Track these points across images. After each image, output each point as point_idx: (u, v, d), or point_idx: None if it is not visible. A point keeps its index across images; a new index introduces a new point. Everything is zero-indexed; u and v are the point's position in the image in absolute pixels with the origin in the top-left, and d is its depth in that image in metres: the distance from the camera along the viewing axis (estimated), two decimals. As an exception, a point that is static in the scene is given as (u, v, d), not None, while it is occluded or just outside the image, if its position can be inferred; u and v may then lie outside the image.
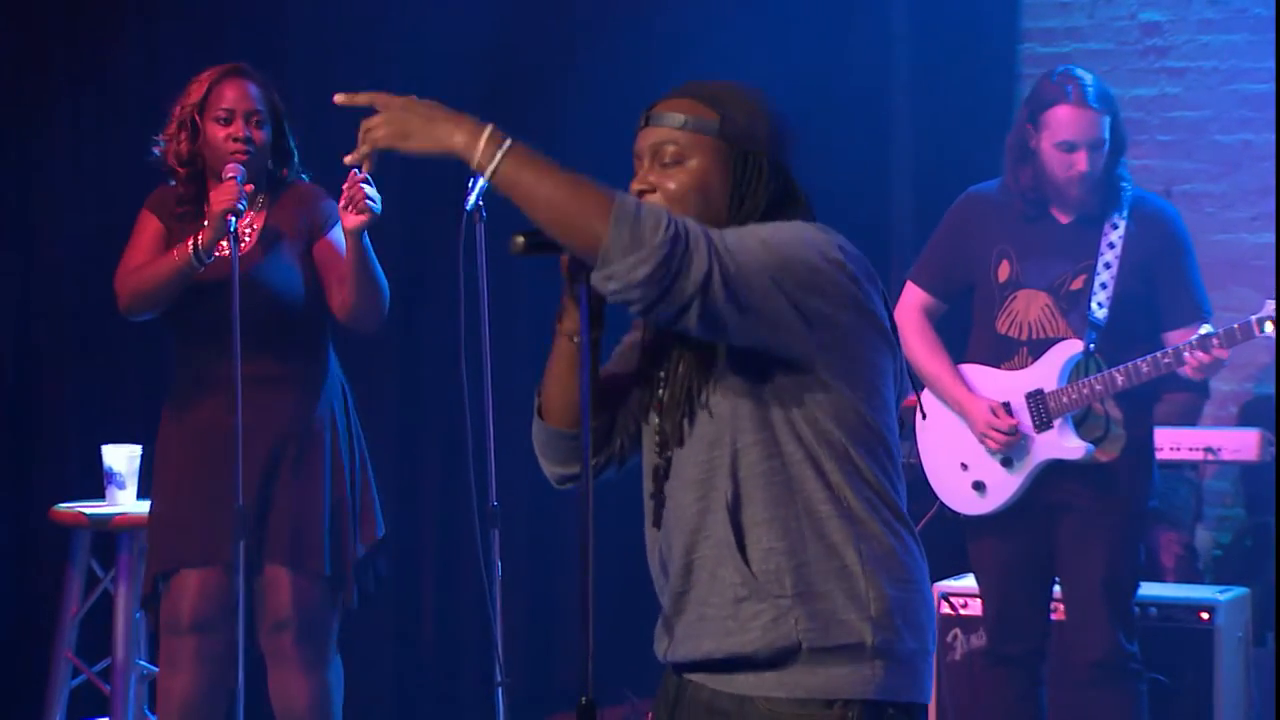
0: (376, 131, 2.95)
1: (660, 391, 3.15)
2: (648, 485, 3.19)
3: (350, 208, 4.85)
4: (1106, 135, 5.21)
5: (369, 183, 4.82)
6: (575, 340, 3.10)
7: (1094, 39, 7.40)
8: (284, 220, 5.08)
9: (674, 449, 3.09)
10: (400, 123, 2.96)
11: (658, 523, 3.15)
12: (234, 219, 4.79)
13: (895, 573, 3.05)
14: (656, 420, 3.15)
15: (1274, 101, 6.87)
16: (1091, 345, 5.20)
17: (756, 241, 2.91)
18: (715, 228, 2.95)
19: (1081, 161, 5.18)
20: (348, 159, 2.96)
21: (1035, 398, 5.24)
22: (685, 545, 3.09)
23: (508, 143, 2.89)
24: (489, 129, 2.90)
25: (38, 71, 6.44)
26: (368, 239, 4.91)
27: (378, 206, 4.86)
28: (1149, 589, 5.68)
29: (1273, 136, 6.83)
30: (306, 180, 5.18)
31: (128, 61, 6.52)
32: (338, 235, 5.05)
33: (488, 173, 2.89)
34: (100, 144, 6.42)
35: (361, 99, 2.96)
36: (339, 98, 2.96)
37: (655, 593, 3.22)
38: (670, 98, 3.14)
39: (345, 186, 4.86)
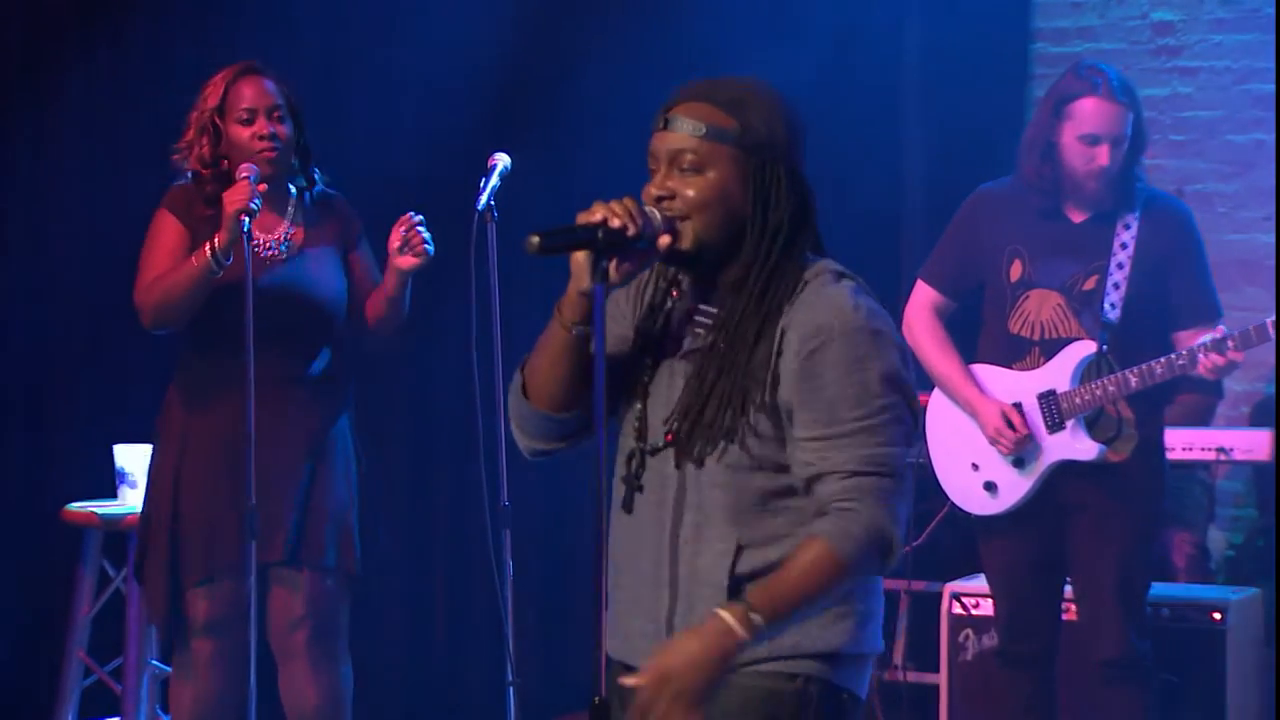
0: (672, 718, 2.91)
1: (646, 379, 3.17)
2: (621, 468, 3.21)
3: (406, 250, 4.92)
4: (1129, 131, 5.20)
5: (424, 225, 4.89)
6: (574, 332, 3.13)
7: (1106, 39, 7.40)
8: (323, 230, 5.10)
9: (688, 464, 3.10)
10: (684, 696, 2.90)
11: (629, 508, 3.18)
12: (248, 219, 4.77)
13: (866, 585, 3.14)
14: (640, 406, 3.17)
15: (1281, 103, 6.86)
16: (1104, 346, 5.20)
17: (892, 479, 3.00)
18: (735, 234, 3.06)
19: (1103, 155, 5.17)
20: None
21: (1048, 398, 5.24)
22: (666, 555, 3.12)
23: (755, 616, 2.91)
24: (733, 617, 2.91)
25: (49, 72, 6.45)
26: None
27: (432, 249, 4.94)
28: (1161, 589, 5.68)
29: (1286, 136, 6.83)
30: (322, 182, 5.18)
31: (140, 63, 6.52)
32: (365, 246, 5.15)
33: (764, 633, 2.93)
34: (113, 143, 6.42)
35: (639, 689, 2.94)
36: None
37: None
38: (689, 100, 3.12)
39: (402, 230, 4.92)
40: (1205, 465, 6.57)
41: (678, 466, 3.10)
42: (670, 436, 3.12)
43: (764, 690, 3.06)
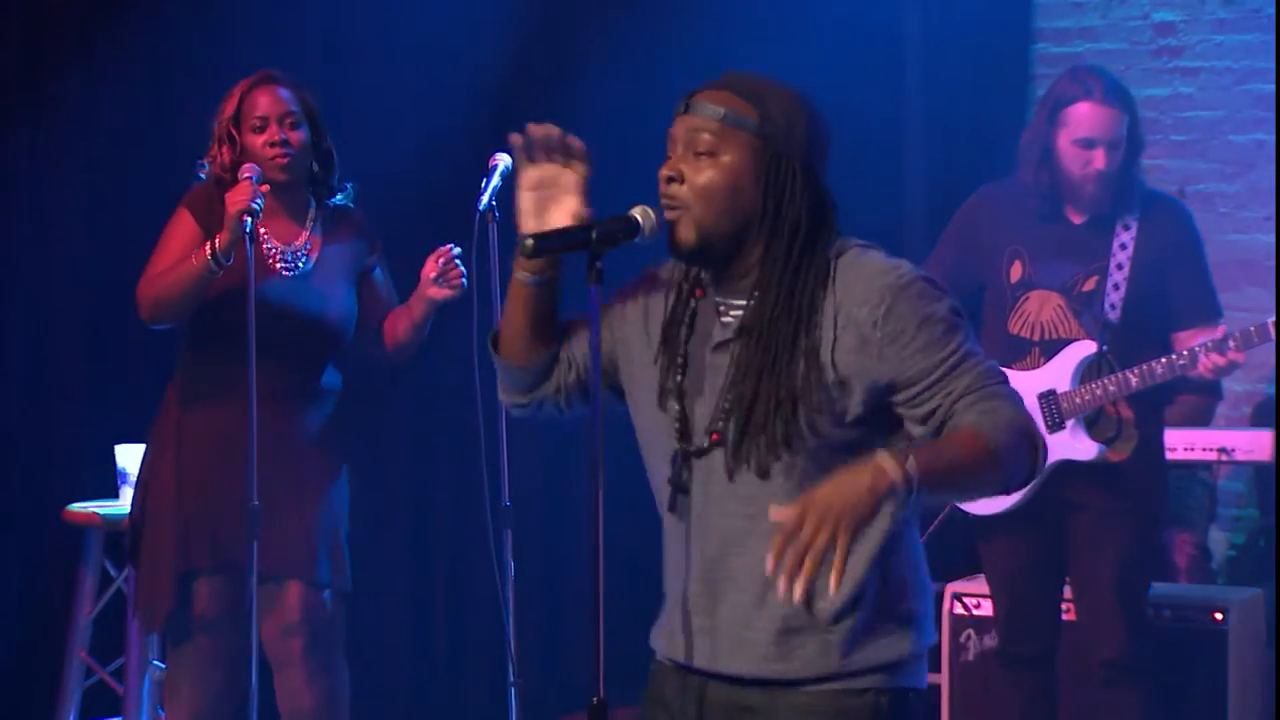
0: (821, 539, 2.82)
1: (679, 377, 3.16)
2: (663, 469, 3.19)
3: (443, 282, 4.98)
4: (1125, 134, 5.21)
5: (462, 259, 4.93)
6: (526, 284, 3.21)
7: (1108, 39, 7.40)
8: (339, 245, 5.10)
9: (737, 469, 3.10)
10: (838, 518, 2.83)
11: (674, 509, 3.17)
12: (250, 219, 4.77)
13: (920, 585, 3.16)
14: (678, 408, 3.16)
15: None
16: (1104, 346, 5.20)
17: (1004, 384, 3.06)
18: (742, 227, 3.07)
19: (1099, 159, 5.18)
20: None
21: (1048, 398, 5.25)
22: (716, 554, 3.13)
23: (911, 464, 2.87)
24: (891, 459, 2.88)
25: (52, 72, 6.45)
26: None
27: (466, 283, 4.98)
28: (1162, 589, 5.68)
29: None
30: (348, 193, 5.18)
31: (140, 65, 6.53)
32: (382, 268, 5.17)
33: (915, 486, 2.88)
34: (115, 143, 6.43)
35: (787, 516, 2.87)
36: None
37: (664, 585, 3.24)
38: (712, 87, 3.13)
39: (440, 261, 4.97)
40: (1207, 466, 6.58)
41: (730, 474, 3.09)
42: (716, 436, 3.11)
43: (834, 710, 3.08)
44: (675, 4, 7.00)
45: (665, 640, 3.24)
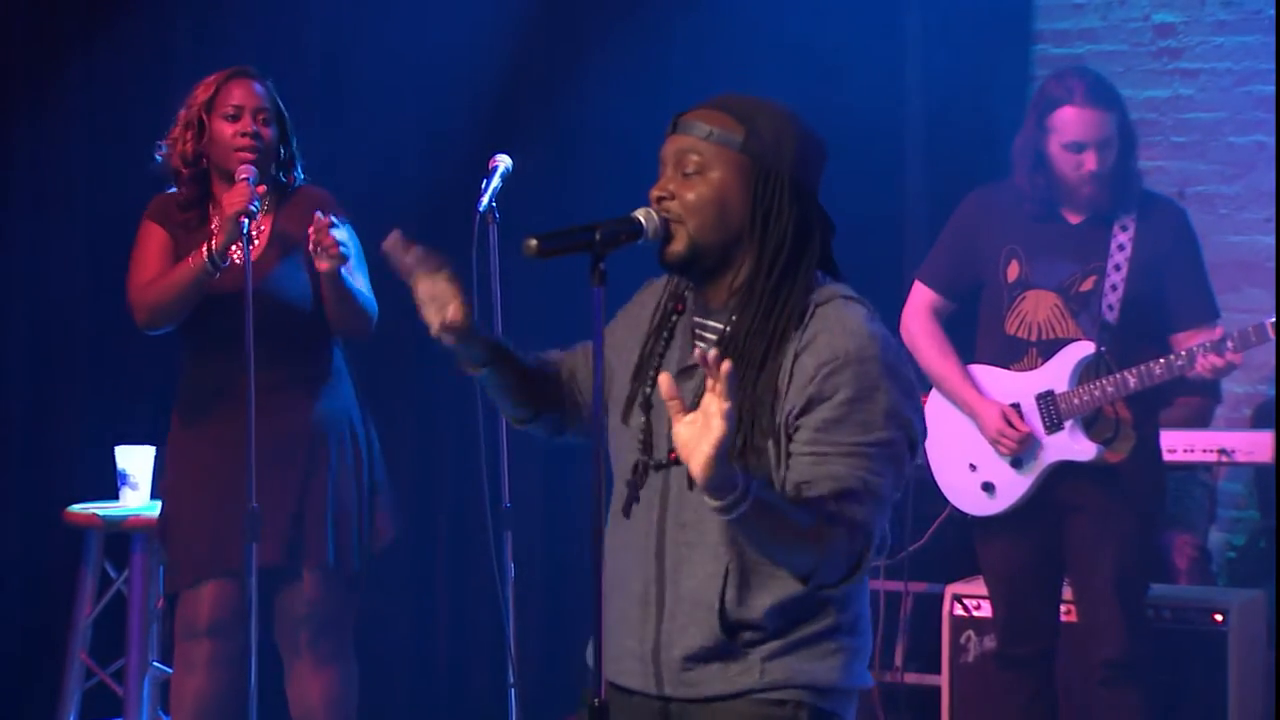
0: (708, 451, 2.82)
1: (648, 390, 3.19)
2: (623, 472, 3.23)
3: (320, 254, 4.86)
4: (1115, 132, 5.21)
5: (335, 226, 4.84)
6: (479, 379, 3.37)
7: (1107, 40, 7.40)
8: (291, 226, 5.08)
9: (662, 475, 3.14)
10: (718, 450, 2.81)
11: (628, 512, 3.20)
12: (247, 221, 4.79)
13: (859, 623, 3.17)
14: (644, 420, 3.20)
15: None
16: (1102, 347, 5.21)
17: (880, 508, 3.01)
18: (731, 241, 3.09)
19: (1090, 161, 5.19)
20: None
21: (1046, 399, 5.25)
22: (652, 575, 3.15)
23: (745, 496, 2.86)
24: (739, 490, 2.87)
25: (52, 74, 6.46)
26: (346, 274, 4.93)
27: (348, 250, 4.89)
28: (1163, 591, 5.69)
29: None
30: (312, 185, 5.19)
31: (142, 67, 6.53)
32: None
33: (730, 517, 2.88)
34: (114, 145, 6.43)
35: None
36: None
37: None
38: (701, 107, 3.16)
39: (311, 231, 4.86)
40: (1207, 467, 6.58)
41: (690, 487, 3.09)
42: (674, 455, 3.12)
43: (757, 716, 3.09)
44: (675, 9, 7.00)
45: (592, 652, 3.25)
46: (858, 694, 3.20)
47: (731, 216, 3.10)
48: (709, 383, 2.81)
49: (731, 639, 3.07)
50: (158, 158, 5.11)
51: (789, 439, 3.04)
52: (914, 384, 3.09)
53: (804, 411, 3.01)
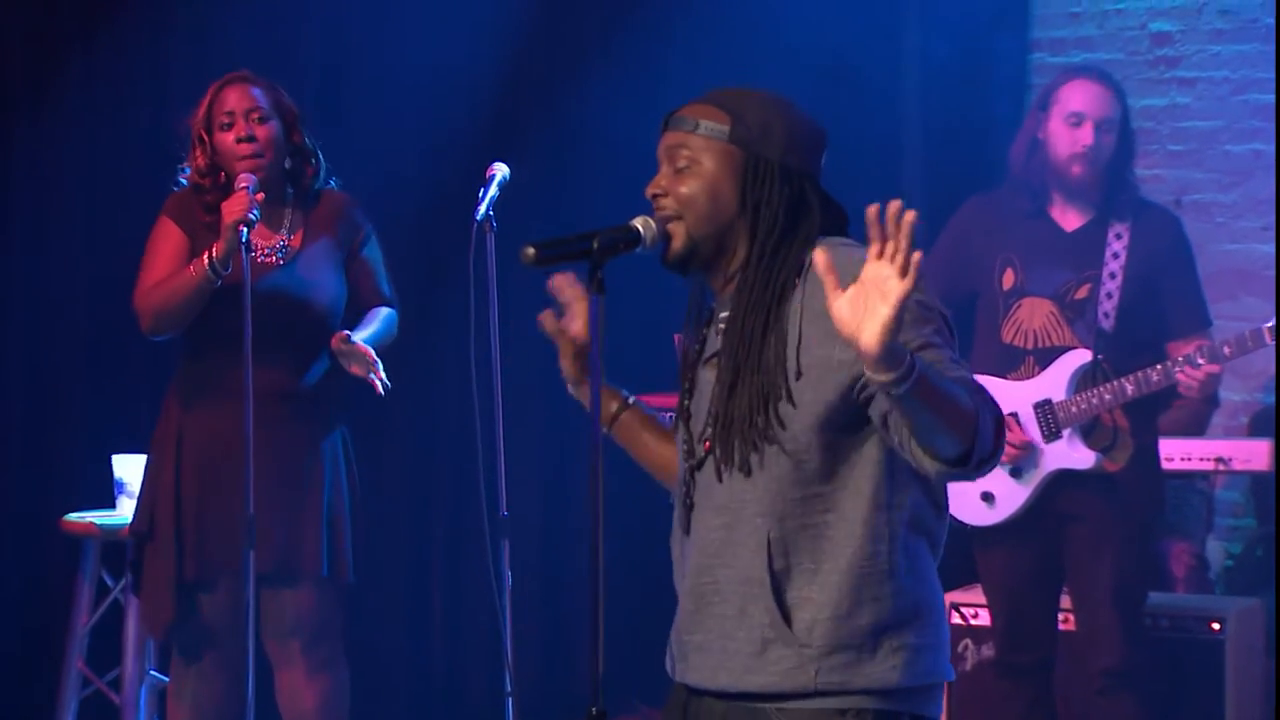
0: (887, 317, 2.77)
1: (687, 402, 3.21)
2: (679, 490, 3.23)
3: (355, 363, 4.95)
4: (1116, 118, 5.23)
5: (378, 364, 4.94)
6: (622, 412, 3.42)
7: (1104, 49, 7.41)
8: (321, 231, 5.10)
9: (725, 470, 3.12)
10: (895, 316, 2.77)
11: (687, 529, 3.21)
12: (246, 229, 4.79)
13: (924, 618, 3.11)
14: (684, 428, 3.22)
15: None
16: (1099, 354, 5.22)
17: (961, 365, 2.99)
18: (725, 229, 3.12)
19: (1087, 134, 5.20)
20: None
21: (1044, 407, 5.26)
22: (699, 566, 3.15)
23: (914, 364, 2.82)
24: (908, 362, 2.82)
25: (51, 82, 6.46)
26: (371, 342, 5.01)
27: (377, 362, 4.97)
28: (1160, 599, 5.69)
29: (1284, 146, 6.84)
30: (336, 187, 5.20)
31: (141, 71, 6.54)
32: (371, 251, 5.13)
33: (902, 390, 2.82)
34: (113, 153, 6.44)
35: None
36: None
37: (668, 601, 3.26)
38: (690, 103, 3.20)
39: (358, 368, 4.95)
40: (1204, 475, 6.57)
41: (719, 477, 3.12)
42: (708, 445, 3.15)
43: None
44: (674, 15, 7.01)
45: (669, 658, 3.27)
46: (940, 688, 3.16)
47: (724, 206, 3.13)
48: (875, 250, 2.77)
49: (786, 616, 3.04)
50: (182, 180, 5.10)
51: (859, 389, 2.99)
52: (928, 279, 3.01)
53: (848, 349, 2.91)
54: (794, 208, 3.13)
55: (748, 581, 3.07)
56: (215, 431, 4.99)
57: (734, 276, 3.15)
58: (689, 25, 7.00)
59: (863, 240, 2.86)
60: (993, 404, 2.95)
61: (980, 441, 2.90)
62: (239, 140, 5.00)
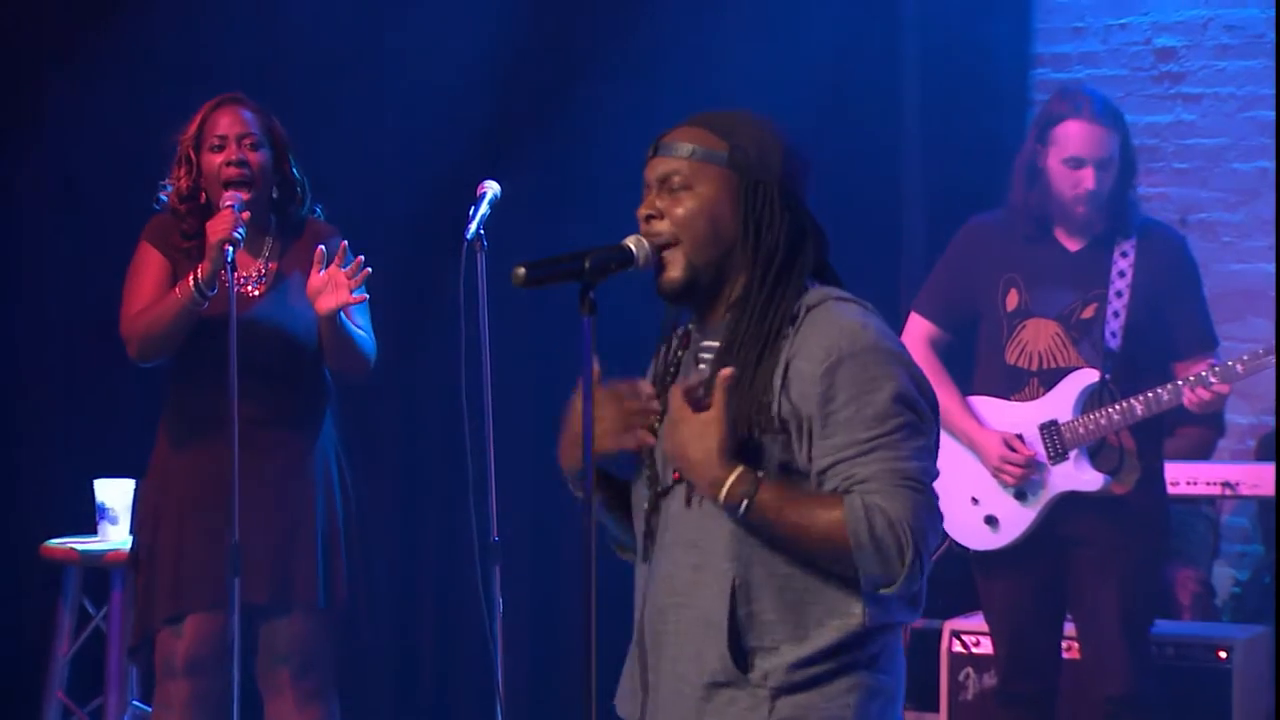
0: (673, 441, 2.99)
1: (655, 426, 3.19)
2: (638, 521, 3.24)
3: (333, 289, 4.84)
4: (1116, 154, 5.23)
5: (350, 259, 4.84)
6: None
7: (1108, 64, 7.42)
8: (299, 260, 5.08)
9: (694, 496, 3.12)
10: (684, 444, 3.00)
11: (647, 557, 3.21)
12: (231, 249, 4.78)
13: (882, 661, 3.12)
14: (650, 454, 3.20)
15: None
16: (1106, 374, 5.22)
17: (918, 493, 3.04)
18: (725, 255, 3.10)
19: (1089, 179, 5.21)
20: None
21: (1050, 429, 5.26)
22: (662, 606, 3.15)
23: (744, 498, 2.96)
24: (732, 482, 2.97)
25: (28, 100, 6.47)
26: (344, 318, 4.92)
27: (362, 291, 4.87)
28: (1165, 627, 5.68)
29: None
30: (320, 217, 5.20)
31: (123, 94, 6.54)
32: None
33: (739, 517, 3.00)
34: (95, 173, 6.45)
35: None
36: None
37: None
38: (679, 127, 3.18)
39: (328, 269, 4.84)
40: (1210, 500, 6.58)
41: (687, 503, 3.12)
42: (678, 474, 3.14)
43: None
44: (668, 33, 7.00)
45: (621, 699, 3.27)
46: None
47: (724, 230, 3.11)
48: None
49: (742, 663, 3.05)
50: (163, 198, 5.09)
51: (808, 451, 3.04)
52: (917, 366, 3.10)
53: (817, 422, 3.02)
54: (793, 235, 3.13)
55: (708, 625, 3.08)
56: (205, 460, 4.97)
57: (733, 305, 3.14)
58: (684, 43, 7.00)
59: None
60: (901, 524, 2.97)
61: (869, 571, 2.97)
62: (228, 164, 4.98)
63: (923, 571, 3.00)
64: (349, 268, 4.85)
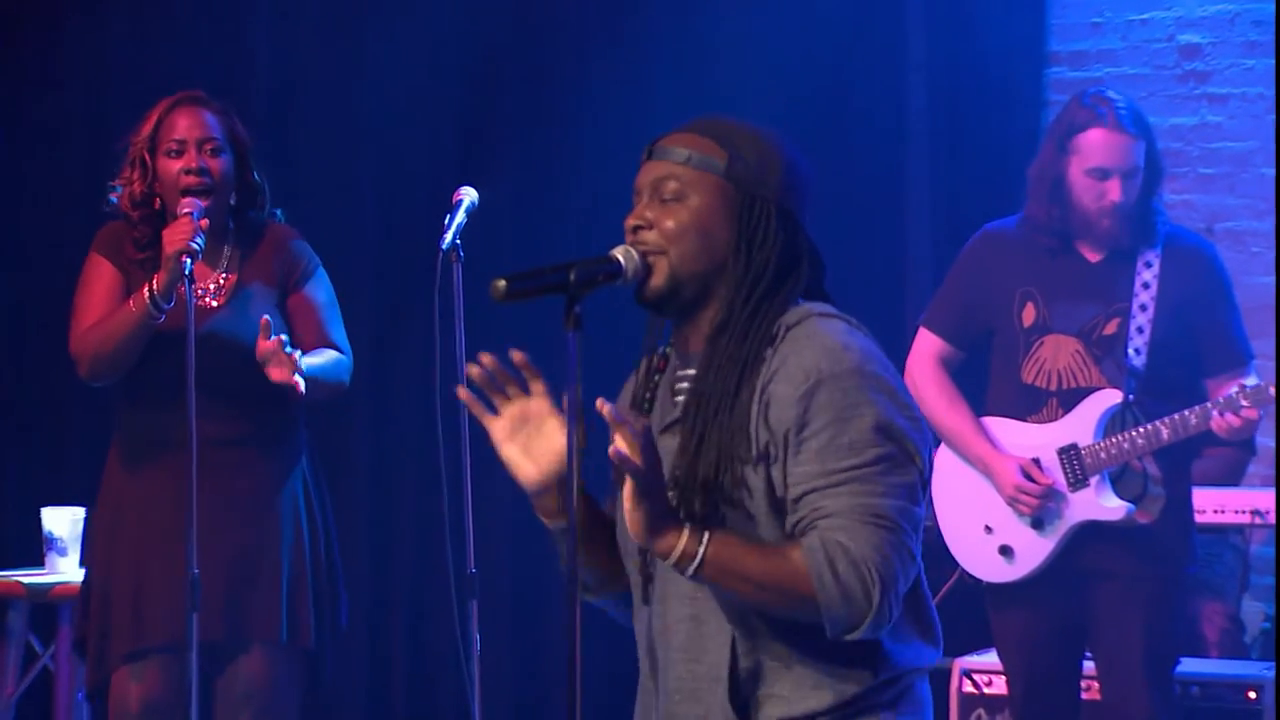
0: (627, 494, 2.92)
1: None
2: (633, 562, 3.22)
3: (277, 363, 4.77)
4: (1141, 163, 5.22)
5: (286, 346, 4.76)
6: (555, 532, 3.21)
7: (1128, 63, 7.40)
8: (259, 268, 5.04)
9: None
10: (637, 495, 2.92)
11: (647, 599, 3.19)
12: (189, 260, 4.73)
13: (905, 711, 3.11)
14: None
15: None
16: (1130, 395, 5.20)
17: (889, 531, 2.96)
18: (713, 272, 3.07)
19: (1114, 191, 5.19)
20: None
21: (1069, 453, 5.23)
22: (667, 660, 3.15)
23: (695, 559, 2.93)
24: (684, 543, 2.94)
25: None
26: (307, 364, 4.86)
27: (303, 368, 4.80)
28: (1191, 665, 5.67)
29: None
30: (280, 220, 5.16)
31: (73, 101, 6.52)
32: (314, 290, 5.07)
33: (690, 575, 2.96)
34: (43, 181, 6.43)
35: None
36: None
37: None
38: (677, 132, 3.16)
39: (279, 370, 4.77)
40: (1238, 529, 6.56)
41: None
42: None
43: None
44: (659, 30, 6.99)
45: None
46: None
47: (715, 245, 3.09)
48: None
49: (749, 716, 3.04)
50: (112, 199, 5.03)
51: (784, 478, 3.01)
52: (906, 393, 3.05)
53: (791, 447, 2.99)
54: (786, 256, 3.10)
55: (714, 680, 3.07)
56: (156, 488, 4.94)
57: (711, 331, 3.11)
58: (676, 39, 6.98)
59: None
60: (868, 565, 2.92)
61: (832, 617, 2.94)
62: (187, 172, 4.94)
63: (891, 615, 2.95)
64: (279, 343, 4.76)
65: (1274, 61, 6.90)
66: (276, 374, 4.78)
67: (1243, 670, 5.89)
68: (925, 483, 3.05)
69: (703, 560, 2.91)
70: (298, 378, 4.76)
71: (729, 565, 2.93)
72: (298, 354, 4.79)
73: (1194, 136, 7.30)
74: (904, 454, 3.00)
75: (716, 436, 3.04)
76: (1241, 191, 7.25)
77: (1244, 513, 6.17)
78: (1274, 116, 7.14)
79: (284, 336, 4.79)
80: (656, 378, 3.24)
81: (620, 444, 2.85)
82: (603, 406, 2.86)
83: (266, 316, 4.80)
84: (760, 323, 3.07)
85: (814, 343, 3.03)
